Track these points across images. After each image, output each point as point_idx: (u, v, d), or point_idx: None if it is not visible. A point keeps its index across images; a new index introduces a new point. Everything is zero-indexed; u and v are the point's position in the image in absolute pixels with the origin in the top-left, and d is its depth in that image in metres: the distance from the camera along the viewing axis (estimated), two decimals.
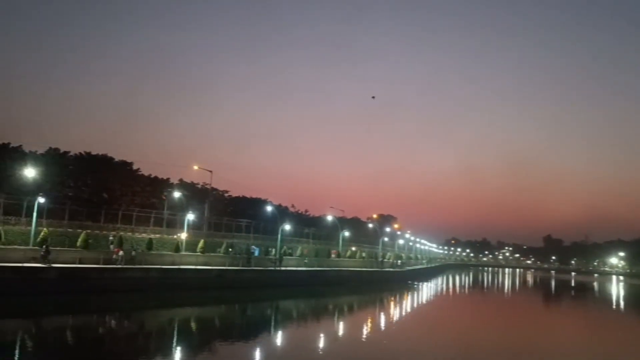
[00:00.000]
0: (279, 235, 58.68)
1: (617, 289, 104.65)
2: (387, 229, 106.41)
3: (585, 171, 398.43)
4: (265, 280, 48.93)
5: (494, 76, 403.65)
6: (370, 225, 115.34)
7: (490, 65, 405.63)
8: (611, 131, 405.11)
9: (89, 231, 43.40)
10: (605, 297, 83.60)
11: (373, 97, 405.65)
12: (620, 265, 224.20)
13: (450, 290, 77.60)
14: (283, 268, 53.63)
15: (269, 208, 71.56)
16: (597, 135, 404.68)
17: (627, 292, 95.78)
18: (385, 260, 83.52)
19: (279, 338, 26.71)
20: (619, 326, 43.00)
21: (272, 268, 52.60)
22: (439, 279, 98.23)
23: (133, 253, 41.35)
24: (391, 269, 78.01)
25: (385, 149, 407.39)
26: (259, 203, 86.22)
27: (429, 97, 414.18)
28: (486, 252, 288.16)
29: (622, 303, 70.52)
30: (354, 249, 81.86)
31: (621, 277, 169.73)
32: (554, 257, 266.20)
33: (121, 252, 40.38)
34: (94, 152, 68.17)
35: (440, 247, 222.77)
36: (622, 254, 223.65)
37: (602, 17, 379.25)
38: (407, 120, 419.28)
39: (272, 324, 32.24)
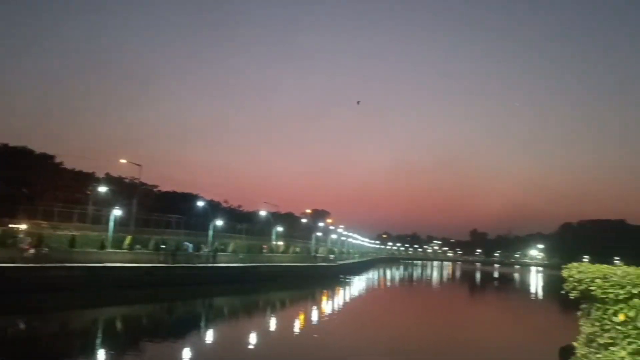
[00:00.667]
0: (211, 231, 57.72)
1: (535, 280, 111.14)
2: (321, 224, 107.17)
3: (510, 167, 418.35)
4: (196, 277, 47.97)
5: (426, 76, 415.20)
6: (304, 221, 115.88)
7: (421, 65, 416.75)
8: (533, 129, 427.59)
9: (4, 228, 40.84)
10: (524, 287, 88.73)
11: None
12: (539, 257, 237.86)
13: (381, 283, 79.36)
14: (216, 264, 52.85)
15: (200, 203, 70.17)
16: (520, 133, 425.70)
17: (544, 282, 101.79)
18: (318, 255, 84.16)
19: (208, 336, 26.31)
20: (535, 313, 45.90)
21: (204, 264, 51.68)
22: (371, 273, 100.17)
23: (45, 250, 39.11)
24: (324, 264, 78.69)
25: (322, 146, 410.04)
26: (190, 198, 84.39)
27: (365, 95, 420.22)
28: (416, 246, 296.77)
29: (539, 292, 75.09)
30: (284, 244, 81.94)
31: (540, 268, 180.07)
32: (479, 250, 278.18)
33: (32, 250, 38.19)
34: (12, 145, 64.23)
35: (372, 241, 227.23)
36: (541, 246, 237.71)
37: (530, 17, 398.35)
38: (344, 117, 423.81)
39: (203, 321, 31.71)
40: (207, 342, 24.41)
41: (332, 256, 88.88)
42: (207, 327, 29.12)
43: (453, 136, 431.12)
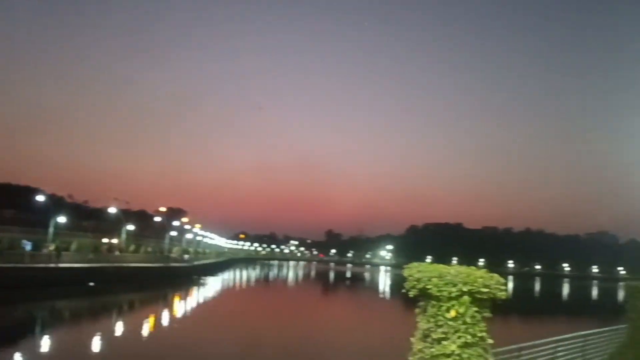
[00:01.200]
0: (51, 228, 52.66)
1: (383, 279, 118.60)
2: (176, 223, 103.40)
3: (364, 169, 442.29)
4: (34, 279, 43.35)
5: (286, 76, 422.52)
6: (158, 219, 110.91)
7: (282, 65, 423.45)
8: (383, 133, 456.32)
9: None
10: (373, 286, 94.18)
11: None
12: (388, 257, 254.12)
13: (237, 284, 78.89)
14: (59, 265, 48.23)
15: (40, 197, 63.66)
16: (371, 137, 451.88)
17: (391, 281, 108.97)
18: (172, 255, 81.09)
19: (45, 342, 23.85)
20: (381, 308, 48.94)
21: (45, 265, 46.88)
22: (227, 274, 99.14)
23: None
24: (177, 265, 76.03)
25: (181, 142, 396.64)
26: (28, 191, 76.29)
27: (227, 93, 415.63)
28: (273, 246, 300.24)
29: (386, 290, 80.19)
30: (135, 243, 77.64)
31: (388, 268, 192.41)
32: (334, 250, 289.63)
33: None
34: None
35: (230, 241, 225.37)
36: (390, 247, 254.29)
37: (401, 20, 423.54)
38: (204, 113, 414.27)
39: (39, 327, 28.70)
40: (45, 349, 22.11)
41: (186, 256, 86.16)
42: (44, 333, 26.39)
43: (312, 137, 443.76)
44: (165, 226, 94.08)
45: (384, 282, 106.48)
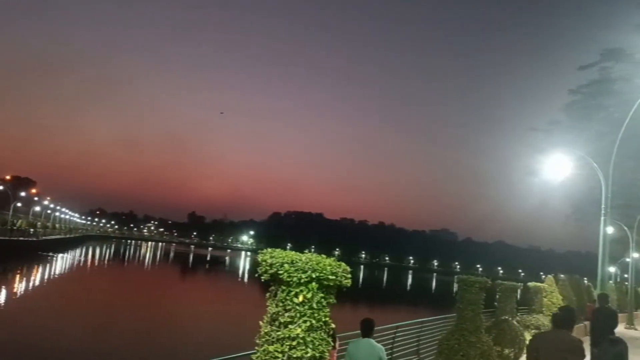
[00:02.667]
0: None
1: (243, 263, 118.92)
2: (23, 194, 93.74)
3: (233, 155, 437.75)
4: None
5: (162, 52, 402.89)
6: (0, 188, 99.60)
7: (157, 41, 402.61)
8: (256, 119, 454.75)
9: None
10: (232, 270, 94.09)
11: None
12: (250, 242, 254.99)
13: (89, 262, 74.01)
14: None
15: None
16: (243, 122, 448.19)
17: (250, 265, 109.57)
18: (16, 228, 73.48)
19: None
20: (237, 292, 49.12)
21: None
22: (78, 250, 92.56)
23: None
24: (23, 239, 69.14)
25: (49, 109, 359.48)
26: None
27: (100, 62, 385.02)
28: (132, 225, 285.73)
29: (245, 275, 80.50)
30: None
31: (249, 253, 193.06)
32: (195, 233, 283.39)
33: None
34: None
35: (84, 217, 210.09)
36: (252, 232, 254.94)
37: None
38: (75, 81, 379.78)
39: None
40: None
41: (32, 230, 78.70)
42: None
43: (183, 116, 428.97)
44: (9, 196, 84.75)
45: (244, 266, 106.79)
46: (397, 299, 67.56)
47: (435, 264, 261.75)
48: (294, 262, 4.29)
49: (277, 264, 4.30)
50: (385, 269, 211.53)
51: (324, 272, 4.30)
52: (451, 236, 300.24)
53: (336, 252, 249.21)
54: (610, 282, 41.58)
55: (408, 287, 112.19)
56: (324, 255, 4.50)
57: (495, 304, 13.72)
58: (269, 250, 4.55)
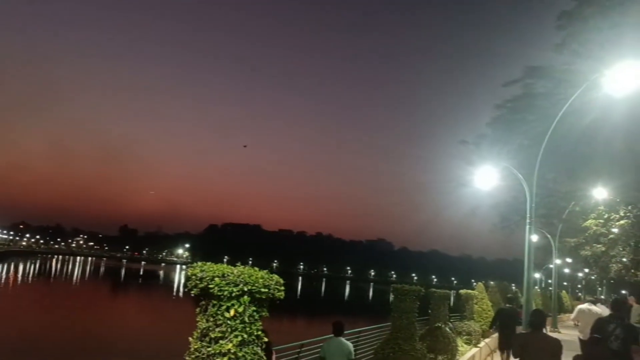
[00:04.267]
0: None
1: (178, 277, 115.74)
2: None
3: (166, 166, 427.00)
4: None
5: (96, 61, 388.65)
6: None
7: (89, 50, 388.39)
8: (190, 130, 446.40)
9: None
10: (166, 284, 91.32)
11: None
12: (185, 255, 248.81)
13: (11, 279, 69.65)
14: None
15: None
16: (176, 133, 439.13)
17: (185, 279, 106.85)
18: None
19: None
20: (170, 308, 47.65)
21: None
22: None
23: None
24: None
25: None
26: None
27: (31, 68, 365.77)
28: (59, 240, 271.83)
29: (180, 289, 78.27)
30: None
31: (184, 267, 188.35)
32: (127, 247, 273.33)
33: None
34: None
35: (5, 231, 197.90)
36: (187, 245, 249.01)
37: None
38: (4, 91, 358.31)
39: None
40: None
41: None
42: None
43: (116, 127, 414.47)
44: None
45: (179, 280, 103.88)
46: (334, 309, 67.86)
47: (372, 273, 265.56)
48: (225, 275, 4.19)
49: (208, 278, 4.18)
50: (324, 279, 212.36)
51: (256, 285, 4.22)
52: (387, 246, 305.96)
53: (274, 264, 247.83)
54: (536, 287, 43.73)
55: (346, 297, 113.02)
56: (257, 268, 4.43)
57: (429, 311, 14.03)
58: (199, 263, 4.43)
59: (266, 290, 4.24)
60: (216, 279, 4.15)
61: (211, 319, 4.21)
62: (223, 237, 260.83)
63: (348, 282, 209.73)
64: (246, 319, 4.20)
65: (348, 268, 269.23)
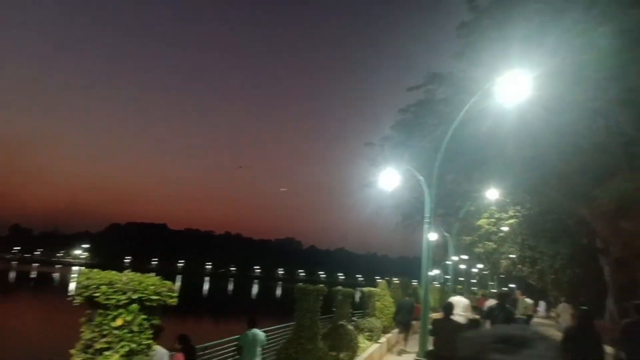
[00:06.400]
0: None
1: (77, 280, 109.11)
2: None
3: (64, 161, 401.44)
4: None
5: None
6: None
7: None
8: (89, 124, 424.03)
9: None
10: (62, 288, 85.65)
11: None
12: (83, 255, 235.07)
13: None
14: None
15: None
16: (73, 125, 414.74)
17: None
18: None
19: None
20: (62, 314, 44.60)
21: None
22: None
23: None
24: None
25: None
26: None
27: None
28: None
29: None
30: None
31: (83, 268, 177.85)
32: (18, 247, 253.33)
33: None
34: None
35: None
36: (86, 245, 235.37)
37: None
38: None
39: None
40: None
41: None
42: None
43: (16, 125, 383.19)
44: None
45: (75, 283, 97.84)
46: (242, 309, 67.19)
47: (281, 272, 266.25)
48: (113, 283, 3.94)
49: (93, 286, 3.91)
50: (232, 279, 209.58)
51: (147, 292, 4.01)
52: (296, 245, 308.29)
53: (180, 264, 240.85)
54: (435, 283, 45.96)
55: (254, 297, 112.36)
56: (147, 275, 4.20)
57: (334, 310, 14.22)
58: (86, 270, 4.13)
59: (157, 297, 4.04)
60: (102, 287, 3.88)
61: (97, 330, 3.94)
62: (126, 237, 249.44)
63: (256, 281, 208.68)
64: (135, 328, 3.97)
65: (257, 267, 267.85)
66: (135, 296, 3.98)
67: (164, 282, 4.29)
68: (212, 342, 10.45)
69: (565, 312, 24.24)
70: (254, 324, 10.18)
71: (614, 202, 15.36)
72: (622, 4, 11.64)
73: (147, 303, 4.04)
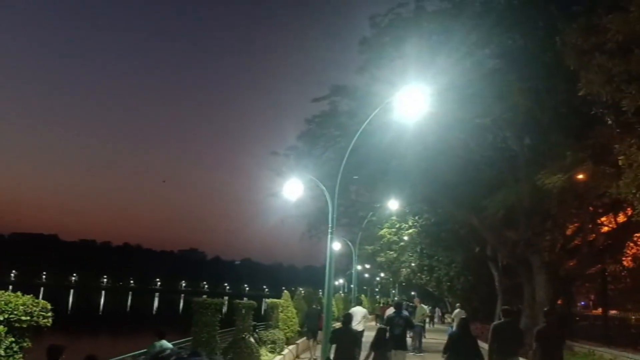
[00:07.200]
0: None
1: None
2: None
3: None
4: None
5: None
6: None
7: None
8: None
9: None
10: None
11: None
12: None
13: None
14: None
15: None
16: None
17: None
18: None
19: None
20: None
21: None
22: None
23: None
24: None
25: None
26: None
27: None
28: None
29: None
30: None
31: None
32: None
33: None
34: None
35: None
36: None
37: None
38: None
39: None
40: None
41: None
42: None
43: None
44: None
45: None
46: (141, 324, 63.97)
47: (184, 284, 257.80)
48: None
49: None
50: (130, 292, 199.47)
51: (16, 313, 3.62)
52: (200, 256, 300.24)
53: (73, 278, 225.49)
54: (340, 292, 46.68)
55: (154, 311, 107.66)
56: (18, 293, 3.80)
57: (235, 322, 13.91)
58: None
59: (28, 318, 3.66)
60: None
61: None
62: (10, 249, 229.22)
63: (157, 294, 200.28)
64: (2, 352, 3.57)
65: (157, 280, 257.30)
66: (2, 317, 3.58)
67: (37, 301, 3.91)
68: (119, 357, 10.02)
69: (459, 317, 25.59)
70: (162, 335, 10.20)
71: (500, 213, 16.46)
72: (503, 28, 12.58)
73: (17, 324, 3.65)
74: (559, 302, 21.55)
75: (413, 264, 40.48)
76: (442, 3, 14.99)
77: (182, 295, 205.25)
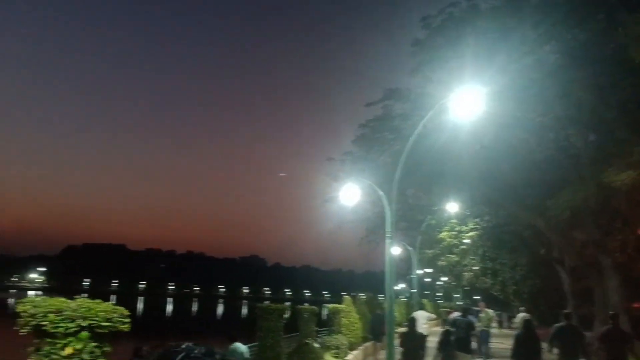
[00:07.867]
0: None
1: None
2: None
3: (17, 182, 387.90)
4: None
5: None
6: None
7: None
8: (43, 152, 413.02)
9: None
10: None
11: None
12: (39, 279, 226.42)
13: None
14: None
15: None
16: (30, 154, 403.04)
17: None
18: None
19: None
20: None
21: None
22: None
23: None
24: None
25: None
26: None
27: None
28: None
29: None
30: None
31: (39, 292, 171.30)
32: None
33: None
34: None
35: None
36: (42, 268, 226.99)
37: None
38: None
39: None
40: None
41: None
42: None
43: None
44: None
45: None
46: (208, 329, 65.74)
47: (246, 290, 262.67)
48: (61, 310, 3.82)
49: (40, 315, 3.78)
50: (196, 299, 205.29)
51: (96, 319, 3.90)
52: (261, 262, 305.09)
53: (141, 285, 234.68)
54: (402, 297, 46.15)
55: (219, 317, 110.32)
56: (98, 300, 4.10)
57: (299, 328, 14.10)
58: (31, 297, 4.00)
59: (108, 324, 3.94)
60: (50, 315, 3.76)
61: (45, 359, 3.81)
62: (83, 259, 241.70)
63: (221, 300, 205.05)
64: (86, 357, 3.85)
65: (221, 286, 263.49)
66: (85, 323, 3.87)
67: (116, 307, 4.19)
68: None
69: (523, 319, 24.86)
70: (234, 339, 10.33)
71: (566, 213, 15.86)
72: (566, 24, 12.17)
73: (98, 330, 3.94)
74: (636, 305, 20.51)
75: (476, 268, 39.56)
76: (495, 1, 14.69)
77: (245, 300, 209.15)
